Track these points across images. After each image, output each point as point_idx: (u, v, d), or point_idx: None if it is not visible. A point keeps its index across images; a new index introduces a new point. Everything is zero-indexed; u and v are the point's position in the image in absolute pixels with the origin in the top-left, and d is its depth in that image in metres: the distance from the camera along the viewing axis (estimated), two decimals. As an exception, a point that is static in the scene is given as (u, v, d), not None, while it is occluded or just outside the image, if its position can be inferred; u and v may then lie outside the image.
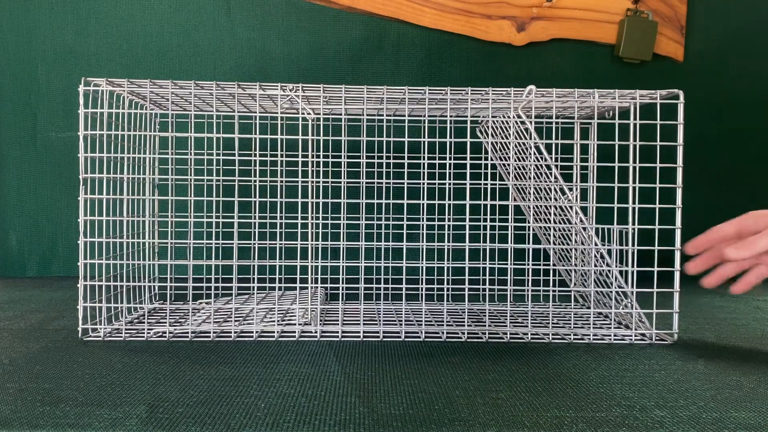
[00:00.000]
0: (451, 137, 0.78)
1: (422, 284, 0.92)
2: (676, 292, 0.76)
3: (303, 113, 0.80)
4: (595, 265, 0.81)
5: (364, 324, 0.79)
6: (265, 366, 0.64)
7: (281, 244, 0.89)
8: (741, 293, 0.73)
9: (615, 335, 0.77)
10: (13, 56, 1.23)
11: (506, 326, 0.78)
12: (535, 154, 0.81)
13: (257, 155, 0.84)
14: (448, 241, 0.94)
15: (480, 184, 0.81)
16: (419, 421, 0.48)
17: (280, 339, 0.75)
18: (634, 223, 0.76)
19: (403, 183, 0.81)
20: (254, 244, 0.87)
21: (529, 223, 0.95)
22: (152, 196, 0.93)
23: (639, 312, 0.78)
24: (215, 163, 0.98)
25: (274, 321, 0.81)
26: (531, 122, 0.81)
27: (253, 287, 0.96)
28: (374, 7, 1.25)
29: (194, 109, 0.90)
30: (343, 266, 0.85)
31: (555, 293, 0.98)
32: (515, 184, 0.94)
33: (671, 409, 0.52)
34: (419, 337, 0.77)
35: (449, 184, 0.79)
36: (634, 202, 0.76)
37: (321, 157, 0.94)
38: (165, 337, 0.75)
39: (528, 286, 0.85)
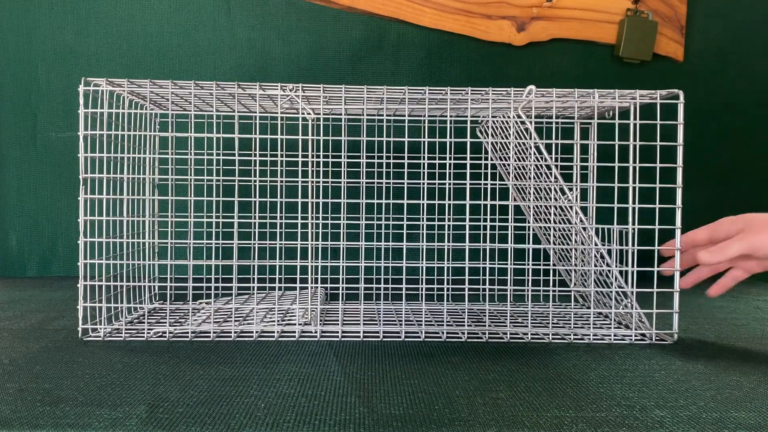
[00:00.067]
0: (451, 137, 0.78)
1: (422, 284, 0.92)
2: (676, 292, 0.76)
3: (303, 113, 0.80)
4: (595, 265, 0.81)
5: (364, 324, 0.79)
6: (265, 366, 0.64)
7: (281, 244, 0.89)
8: (717, 296, 0.77)
9: (615, 335, 0.77)
10: (13, 56, 1.23)
11: (506, 326, 0.78)
12: (535, 154, 0.81)
13: (257, 155, 0.84)
14: (448, 241, 0.94)
15: (480, 184, 0.81)
16: (419, 421, 0.48)
17: (280, 339, 0.75)
18: (634, 223, 0.76)
19: (403, 183, 0.81)
20: (254, 244, 0.87)
21: (529, 223, 0.95)
22: (152, 196, 0.93)
23: (639, 312, 0.78)
24: (215, 163, 0.98)
25: (274, 321, 0.81)
26: (531, 122, 0.81)
27: (253, 287, 0.96)
28: (374, 7, 1.25)
29: (194, 109, 0.90)
30: (343, 266, 0.85)
31: (555, 293, 0.98)
32: (515, 184, 0.94)
33: (671, 409, 0.52)
34: (419, 337, 0.77)
35: (449, 184, 0.79)
36: (634, 202, 0.76)
37: (321, 157, 0.95)
38: (165, 337, 0.75)
39: (528, 286, 0.85)
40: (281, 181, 0.95)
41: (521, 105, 0.80)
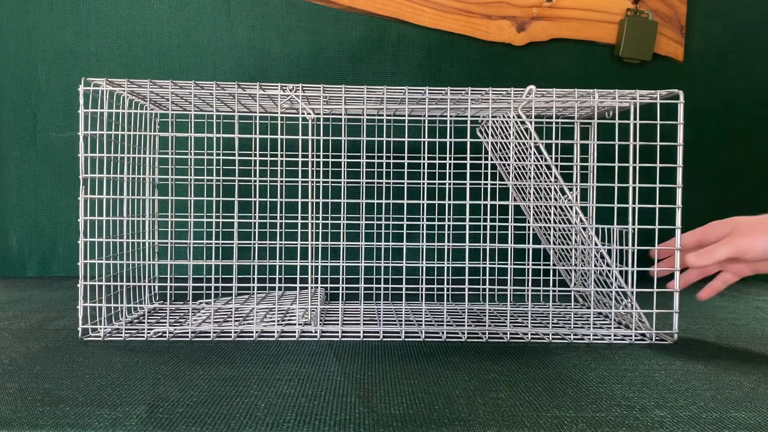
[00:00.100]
0: (451, 137, 0.78)
1: (422, 284, 0.92)
2: (676, 292, 0.76)
3: (303, 113, 0.80)
4: (595, 265, 0.81)
5: (364, 324, 0.79)
6: (265, 366, 0.64)
7: (281, 244, 0.89)
8: (707, 299, 0.77)
9: (615, 335, 0.77)
10: (13, 56, 1.23)
11: (506, 326, 0.78)
12: (535, 154, 0.81)
13: (257, 155, 0.84)
14: (448, 241, 0.94)
15: (480, 184, 0.81)
16: (419, 421, 0.48)
17: (280, 339, 0.75)
18: (634, 223, 0.76)
19: (403, 183, 0.81)
20: (254, 244, 0.87)
21: (529, 223, 0.95)
22: (152, 196, 0.93)
23: (639, 312, 0.78)
24: (215, 163, 0.98)
25: (274, 321, 0.81)
26: (531, 122, 0.81)
27: (253, 287, 0.96)
28: (374, 7, 1.25)
29: (194, 109, 0.90)
30: (343, 266, 0.85)
31: (555, 293, 0.98)
32: (515, 184, 0.94)
33: (671, 409, 0.52)
34: (419, 337, 0.77)
35: (449, 184, 0.79)
36: (634, 202, 0.76)
37: (321, 157, 0.95)
38: (165, 337, 0.75)
39: (528, 286, 0.85)
40: (281, 181, 0.95)
41: (521, 105, 0.80)
